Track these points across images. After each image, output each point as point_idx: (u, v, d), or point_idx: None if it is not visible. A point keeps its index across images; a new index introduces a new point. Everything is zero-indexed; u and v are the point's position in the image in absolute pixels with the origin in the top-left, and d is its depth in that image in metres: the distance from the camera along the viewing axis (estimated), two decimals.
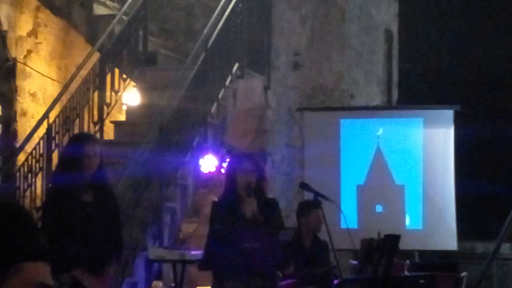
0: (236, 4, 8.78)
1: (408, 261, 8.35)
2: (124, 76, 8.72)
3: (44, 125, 7.72)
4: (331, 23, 11.47)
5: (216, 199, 5.35)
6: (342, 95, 11.59)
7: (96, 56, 8.39)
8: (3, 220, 1.70)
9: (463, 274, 7.58)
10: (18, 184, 7.58)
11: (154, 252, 7.02)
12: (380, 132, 10.28)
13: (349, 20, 11.82)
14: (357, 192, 10.21)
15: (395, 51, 12.97)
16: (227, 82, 8.74)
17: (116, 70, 8.61)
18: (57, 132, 7.78)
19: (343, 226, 7.72)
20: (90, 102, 8.21)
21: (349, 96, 11.73)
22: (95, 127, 8.20)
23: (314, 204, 6.45)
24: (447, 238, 9.99)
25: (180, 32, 9.92)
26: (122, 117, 9.17)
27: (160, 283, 8.25)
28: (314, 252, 6.52)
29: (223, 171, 7.79)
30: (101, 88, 8.32)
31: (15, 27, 8.68)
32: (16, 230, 1.70)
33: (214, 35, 8.42)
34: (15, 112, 8.64)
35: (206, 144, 8.13)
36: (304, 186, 6.72)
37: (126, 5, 8.91)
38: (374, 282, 5.65)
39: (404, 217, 10.12)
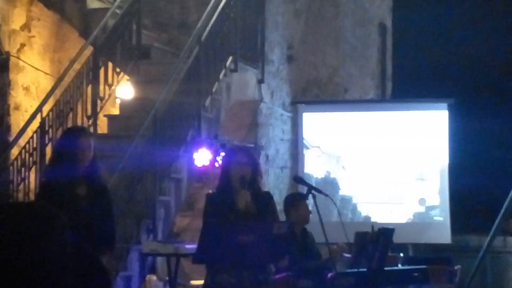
0: None
1: (401, 254, 8.37)
2: (118, 69, 8.70)
3: (38, 119, 7.70)
4: (325, 17, 11.47)
5: (210, 192, 5.35)
6: (336, 89, 11.60)
7: (89, 49, 8.37)
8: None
9: (457, 267, 7.59)
10: (11, 178, 7.56)
11: (148, 246, 7.01)
12: (374, 125, 10.30)
13: (343, 13, 11.82)
14: None
15: (389, 45, 12.98)
16: (221, 76, 8.72)
17: (110, 64, 8.58)
18: (50, 126, 7.76)
19: (336, 219, 7.73)
20: (84, 96, 8.19)
21: (343, 89, 11.74)
22: (88, 121, 8.18)
23: (300, 196, 6.49)
24: (440, 231, 10.01)
25: (174, 25, 9.90)
26: (116, 111, 9.15)
27: (154, 277, 8.24)
28: (305, 243, 6.54)
29: (217, 164, 7.78)
30: (95, 81, 8.30)
31: (8, 21, 8.66)
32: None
33: (208, 28, 8.41)
34: (8, 106, 8.62)
35: (200, 138, 8.12)
36: (298, 179, 6.72)
37: None
38: (368, 275, 5.65)
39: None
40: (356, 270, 5.87)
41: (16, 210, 1.73)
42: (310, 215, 6.77)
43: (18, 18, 8.78)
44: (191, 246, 6.42)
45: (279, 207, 6.17)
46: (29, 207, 1.74)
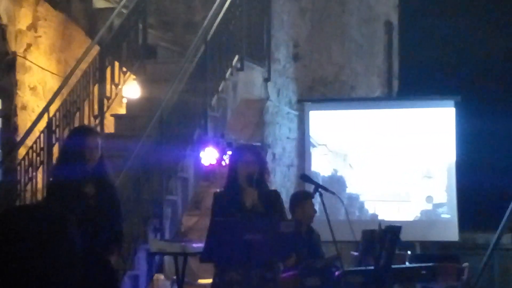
0: None
1: (409, 252, 8.36)
2: (124, 69, 8.71)
3: (45, 119, 7.71)
4: (330, 15, 11.46)
5: (217, 190, 5.36)
6: (342, 87, 11.59)
7: (95, 49, 8.38)
8: None
9: (465, 265, 7.58)
10: (19, 178, 7.57)
11: (155, 245, 7.01)
12: (381, 123, 10.29)
13: (349, 11, 11.80)
14: None
15: (395, 42, 12.95)
16: (227, 75, 8.72)
17: (116, 63, 8.59)
18: (57, 126, 7.77)
19: (343, 217, 7.73)
20: (90, 96, 8.20)
21: (349, 87, 11.72)
22: (95, 121, 8.19)
23: (307, 194, 6.48)
24: (448, 229, 10.00)
25: (180, 24, 9.90)
26: (123, 110, 9.16)
27: (162, 276, 8.25)
28: (310, 242, 6.54)
29: (224, 163, 7.79)
30: (101, 81, 8.31)
31: (15, 21, 8.67)
32: None
33: (214, 27, 8.41)
34: (15, 106, 8.63)
35: (207, 137, 8.12)
36: (305, 178, 6.72)
37: None
38: (376, 273, 5.65)
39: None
40: (363, 268, 5.87)
41: (27, 213, 1.73)
42: (317, 214, 6.76)
43: (24, 18, 8.80)
44: (199, 245, 6.42)
45: (286, 205, 6.17)
46: (40, 210, 1.74)
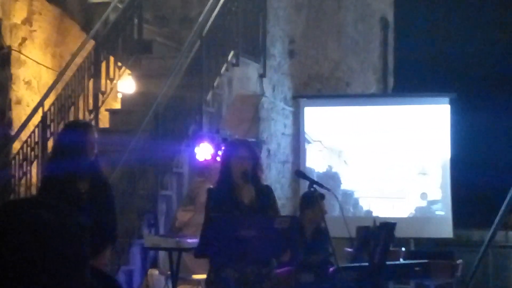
0: None
1: (403, 249, 8.38)
2: (119, 64, 8.69)
3: (39, 113, 7.70)
4: (326, 11, 11.45)
5: (211, 186, 5.34)
6: (338, 83, 11.59)
7: (91, 44, 8.36)
8: None
9: (459, 261, 7.60)
10: (13, 172, 7.56)
11: (150, 240, 7.01)
12: (376, 120, 10.30)
13: (345, 8, 11.80)
14: None
15: (391, 39, 12.96)
16: (223, 70, 8.72)
17: (111, 58, 8.58)
18: (52, 120, 7.76)
19: (338, 214, 7.73)
20: (85, 90, 8.19)
21: (344, 84, 11.73)
22: (90, 115, 8.18)
23: (319, 197, 6.40)
24: (442, 225, 10.02)
25: (176, 20, 9.89)
26: (117, 105, 9.15)
27: (156, 271, 8.25)
28: (315, 241, 6.51)
29: (218, 159, 7.78)
30: (96, 76, 8.30)
31: (10, 15, 8.65)
32: None
33: (210, 22, 8.40)
34: (10, 100, 8.61)
35: (202, 132, 8.12)
36: (299, 174, 6.70)
37: None
38: (370, 270, 5.65)
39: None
40: (357, 264, 5.87)
41: (29, 206, 1.71)
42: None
43: (19, 12, 8.77)
44: (193, 241, 6.42)
45: (281, 201, 6.16)
46: (42, 204, 1.73)
